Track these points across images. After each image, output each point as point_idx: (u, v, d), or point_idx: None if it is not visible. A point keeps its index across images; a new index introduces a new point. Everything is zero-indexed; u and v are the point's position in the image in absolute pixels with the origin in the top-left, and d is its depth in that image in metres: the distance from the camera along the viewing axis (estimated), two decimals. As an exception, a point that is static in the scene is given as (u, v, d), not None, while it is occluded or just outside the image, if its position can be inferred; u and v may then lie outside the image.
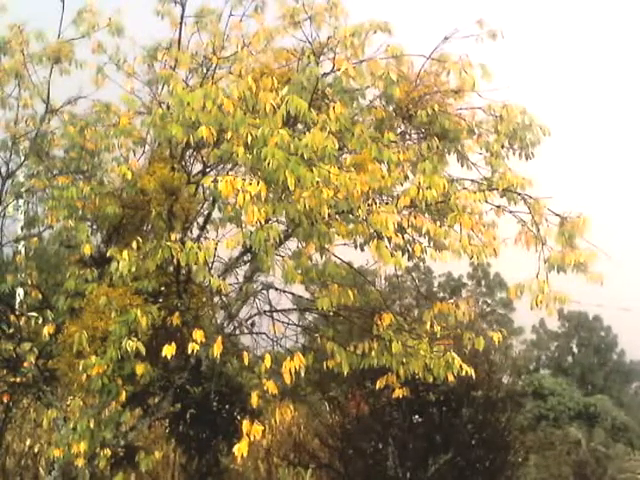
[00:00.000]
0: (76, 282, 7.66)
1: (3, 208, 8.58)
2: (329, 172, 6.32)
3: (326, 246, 7.40)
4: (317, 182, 6.26)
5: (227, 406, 10.37)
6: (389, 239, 6.95)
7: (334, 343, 7.72)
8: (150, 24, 8.40)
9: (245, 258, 8.09)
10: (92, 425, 7.26)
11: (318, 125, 6.62)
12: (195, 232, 8.23)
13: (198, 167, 8.25)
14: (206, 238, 8.19)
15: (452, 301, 8.03)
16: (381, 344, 7.66)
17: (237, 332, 8.37)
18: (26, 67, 8.32)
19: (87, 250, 7.56)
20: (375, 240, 6.91)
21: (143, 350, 6.86)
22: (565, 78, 61.21)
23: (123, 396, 7.22)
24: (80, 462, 7.27)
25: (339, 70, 7.41)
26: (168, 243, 6.92)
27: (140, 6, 9.00)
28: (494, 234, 7.58)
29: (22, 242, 8.82)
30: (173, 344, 6.89)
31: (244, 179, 6.33)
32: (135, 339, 6.83)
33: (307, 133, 6.47)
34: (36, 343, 7.91)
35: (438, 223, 7.41)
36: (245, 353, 7.53)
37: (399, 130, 8.03)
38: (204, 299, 7.77)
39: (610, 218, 36.07)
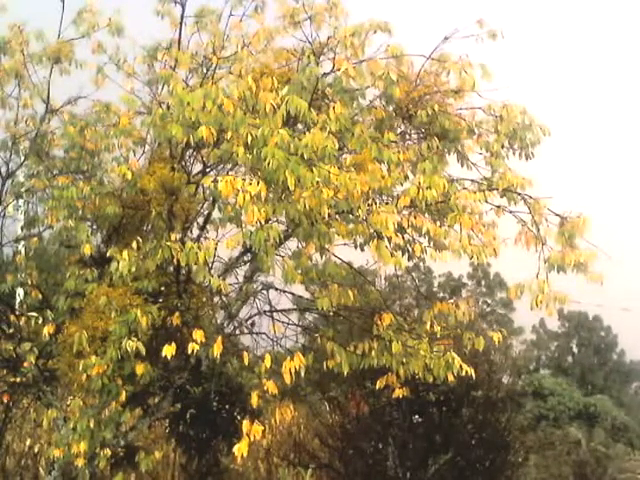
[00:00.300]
0: (76, 282, 7.66)
1: (3, 208, 8.58)
2: (329, 172, 6.32)
3: (326, 246, 7.40)
4: (317, 182, 6.26)
5: (227, 406, 10.38)
6: (389, 239, 6.95)
7: (334, 343, 7.72)
8: (150, 24, 8.41)
9: (245, 258, 8.09)
10: (92, 425, 7.26)
11: (318, 125, 6.63)
12: (195, 232, 8.24)
13: (198, 167, 8.25)
14: (206, 238, 8.19)
15: (452, 301, 8.03)
16: (381, 344, 7.66)
17: (237, 332, 8.38)
18: (26, 67, 8.33)
19: (87, 250, 7.55)
20: (375, 240, 6.91)
21: (143, 350, 6.86)
22: (565, 78, 61.24)
23: (123, 396, 7.22)
24: (80, 462, 7.27)
25: (339, 70, 7.41)
26: (168, 243, 6.93)
27: (140, 6, 9.01)
28: (494, 234, 7.58)
29: (22, 242, 8.82)
30: (173, 344, 6.90)
31: (244, 179, 6.33)
32: (135, 339, 6.83)
33: (307, 133, 6.47)
34: (36, 343, 7.91)
35: (438, 223, 7.41)
36: (245, 353, 7.53)
37: (399, 130, 8.03)
38: (204, 299, 7.77)
39: (610, 218, 36.09)
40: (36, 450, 12.24)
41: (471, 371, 7.53)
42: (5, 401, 9.29)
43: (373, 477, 11.38)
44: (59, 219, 7.91)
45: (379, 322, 7.65)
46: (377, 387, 8.25)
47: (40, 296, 8.34)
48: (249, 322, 8.24)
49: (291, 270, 7.34)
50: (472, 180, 7.79)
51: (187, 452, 10.70)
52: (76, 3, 8.42)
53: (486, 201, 7.55)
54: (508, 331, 10.15)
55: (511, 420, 12.40)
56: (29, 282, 8.43)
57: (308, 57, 7.35)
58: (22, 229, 8.86)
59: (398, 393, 8.04)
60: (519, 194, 7.51)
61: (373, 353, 7.65)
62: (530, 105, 7.73)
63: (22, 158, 8.64)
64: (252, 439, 6.81)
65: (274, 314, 8.16)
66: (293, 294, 8.35)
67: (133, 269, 7.01)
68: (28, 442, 12.48)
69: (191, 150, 8.04)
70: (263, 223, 6.41)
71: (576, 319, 42.71)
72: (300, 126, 7.27)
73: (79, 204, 7.81)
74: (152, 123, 7.57)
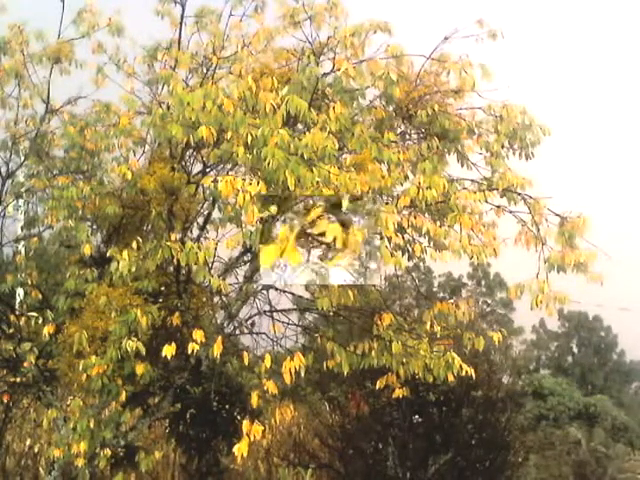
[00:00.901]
0: (76, 282, 7.66)
1: (3, 208, 8.58)
2: (329, 172, 6.32)
3: (326, 246, 7.39)
4: (317, 182, 6.27)
5: (227, 406, 10.36)
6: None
7: (334, 343, 7.71)
8: (150, 24, 8.41)
9: (245, 258, 8.10)
10: (92, 425, 7.26)
11: (318, 125, 6.62)
12: (195, 232, 8.24)
13: (198, 167, 8.25)
14: (206, 238, 8.20)
15: (452, 301, 8.02)
16: (381, 344, 7.65)
17: (237, 332, 8.37)
18: (26, 67, 8.32)
19: (87, 250, 7.55)
20: (375, 240, 6.92)
21: (143, 350, 6.86)
22: (565, 78, 61.24)
23: (123, 396, 7.22)
24: (80, 462, 7.27)
25: (339, 70, 7.40)
26: (168, 243, 6.92)
27: (140, 6, 9.00)
28: (494, 234, 7.58)
29: (22, 242, 8.82)
30: (173, 344, 6.89)
31: (244, 179, 6.33)
32: (135, 339, 6.83)
33: (307, 133, 6.47)
34: (36, 343, 7.90)
35: (438, 223, 7.40)
36: (245, 353, 7.52)
37: (399, 130, 8.03)
38: (204, 299, 7.77)
39: (610, 218, 36.08)
40: (36, 450, 12.24)
41: (471, 371, 7.53)
42: (5, 401, 9.29)
43: (373, 477, 11.39)
44: (59, 219, 7.90)
45: (379, 322, 7.65)
46: (377, 387, 8.24)
47: (40, 296, 8.34)
48: (249, 322, 8.23)
49: (291, 270, 7.33)
50: (472, 180, 7.79)
51: (187, 452, 10.68)
52: (76, 3, 8.42)
53: (486, 201, 7.54)
54: (508, 331, 10.14)
55: (511, 420, 12.42)
56: (29, 282, 8.42)
57: (308, 57, 7.34)
58: (22, 229, 8.86)
59: (398, 393, 8.04)
60: (519, 194, 7.50)
61: (373, 353, 7.64)
62: (530, 105, 7.74)
63: (22, 158, 8.63)
64: (252, 439, 6.80)
65: (274, 314, 8.16)
66: (293, 294, 8.36)
67: (133, 269, 7.01)
68: (28, 442, 12.48)
69: (191, 150, 8.04)
70: (263, 223, 6.42)
71: (576, 319, 42.75)
72: (300, 126, 7.27)
73: (79, 204, 7.81)
74: (152, 123, 7.56)
